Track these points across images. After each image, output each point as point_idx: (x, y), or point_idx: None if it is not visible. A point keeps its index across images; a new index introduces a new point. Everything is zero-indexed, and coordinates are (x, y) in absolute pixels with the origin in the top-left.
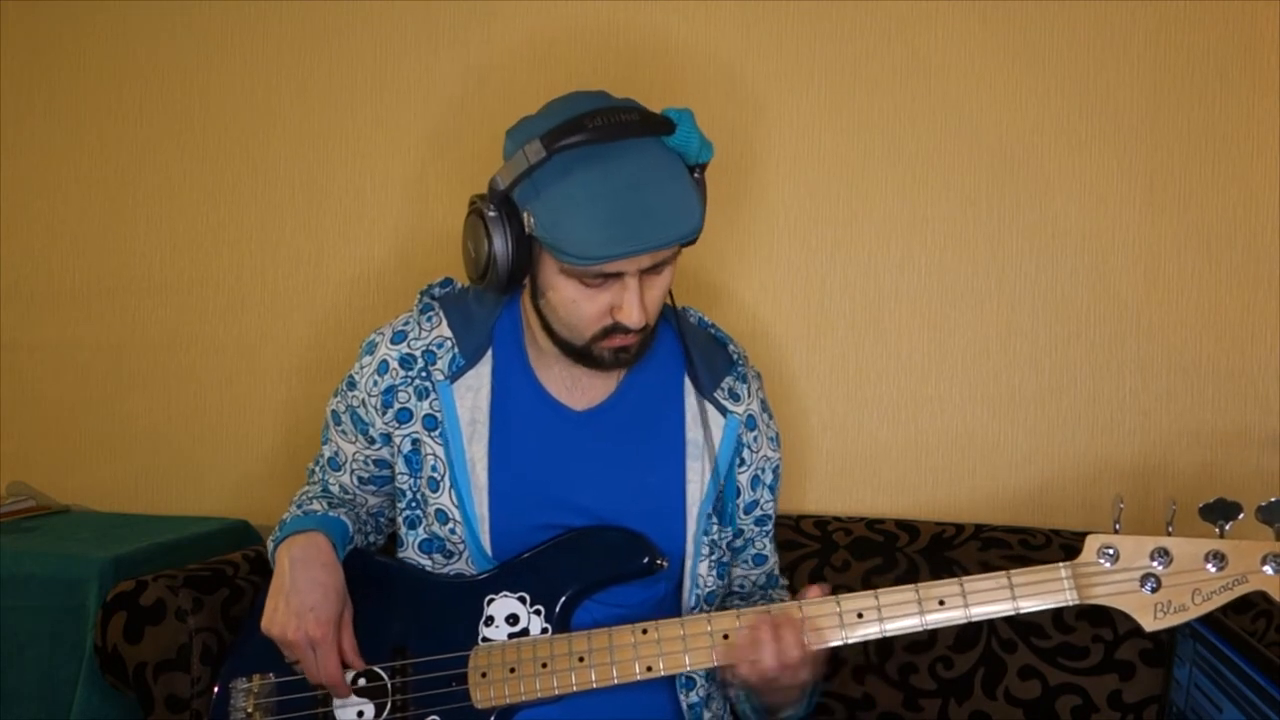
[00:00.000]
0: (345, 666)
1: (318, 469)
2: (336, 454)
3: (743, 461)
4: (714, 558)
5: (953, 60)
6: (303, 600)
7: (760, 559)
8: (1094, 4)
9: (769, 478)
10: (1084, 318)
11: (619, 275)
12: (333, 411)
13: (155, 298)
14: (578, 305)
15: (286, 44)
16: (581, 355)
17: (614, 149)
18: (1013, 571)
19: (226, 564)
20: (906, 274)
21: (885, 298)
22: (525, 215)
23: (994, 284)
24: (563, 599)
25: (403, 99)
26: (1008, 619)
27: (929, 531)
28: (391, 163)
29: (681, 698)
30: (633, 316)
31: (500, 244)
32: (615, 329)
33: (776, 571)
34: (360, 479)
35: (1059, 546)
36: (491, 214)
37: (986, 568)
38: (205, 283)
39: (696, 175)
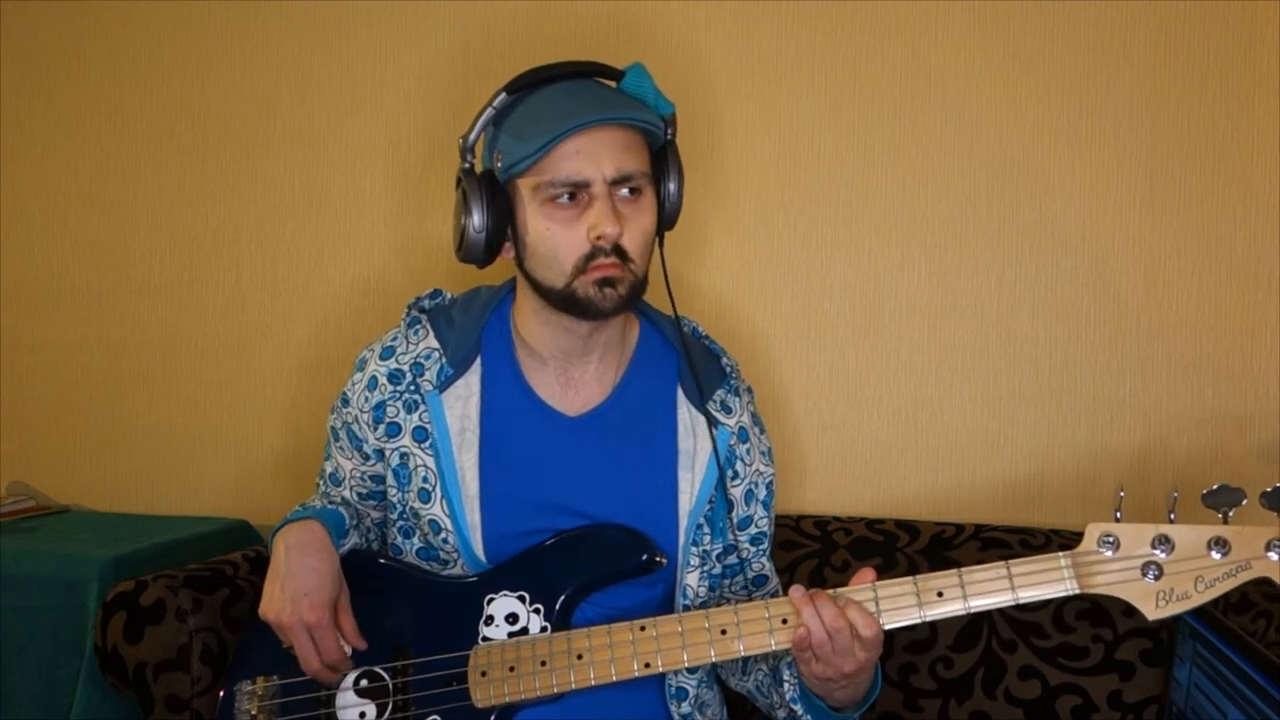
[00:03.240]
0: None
1: (321, 483)
2: (336, 470)
3: (736, 474)
4: (705, 568)
5: (953, 60)
6: (298, 585)
7: (761, 580)
8: (1094, 4)
9: (762, 493)
10: (1084, 318)
11: (587, 188)
12: (331, 428)
13: (155, 298)
14: (554, 235)
15: (286, 44)
16: (569, 301)
17: (575, 84)
18: (1012, 562)
19: (226, 564)
20: (906, 274)
21: (885, 298)
22: (494, 158)
23: (994, 284)
24: (562, 597)
25: (403, 100)
26: (1008, 619)
27: (929, 531)
28: (391, 163)
29: (673, 708)
30: (606, 225)
31: (475, 203)
32: (595, 254)
33: (781, 593)
34: (360, 494)
35: (1059, 546)
36: (465, 165)
37: None
38: (205, 283)
39: (669, 133)
